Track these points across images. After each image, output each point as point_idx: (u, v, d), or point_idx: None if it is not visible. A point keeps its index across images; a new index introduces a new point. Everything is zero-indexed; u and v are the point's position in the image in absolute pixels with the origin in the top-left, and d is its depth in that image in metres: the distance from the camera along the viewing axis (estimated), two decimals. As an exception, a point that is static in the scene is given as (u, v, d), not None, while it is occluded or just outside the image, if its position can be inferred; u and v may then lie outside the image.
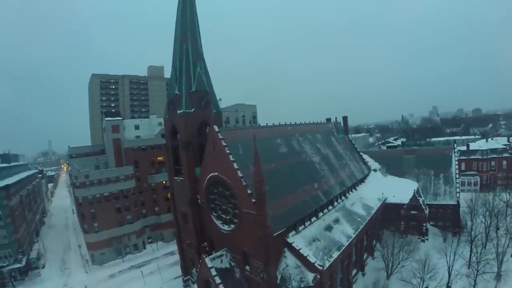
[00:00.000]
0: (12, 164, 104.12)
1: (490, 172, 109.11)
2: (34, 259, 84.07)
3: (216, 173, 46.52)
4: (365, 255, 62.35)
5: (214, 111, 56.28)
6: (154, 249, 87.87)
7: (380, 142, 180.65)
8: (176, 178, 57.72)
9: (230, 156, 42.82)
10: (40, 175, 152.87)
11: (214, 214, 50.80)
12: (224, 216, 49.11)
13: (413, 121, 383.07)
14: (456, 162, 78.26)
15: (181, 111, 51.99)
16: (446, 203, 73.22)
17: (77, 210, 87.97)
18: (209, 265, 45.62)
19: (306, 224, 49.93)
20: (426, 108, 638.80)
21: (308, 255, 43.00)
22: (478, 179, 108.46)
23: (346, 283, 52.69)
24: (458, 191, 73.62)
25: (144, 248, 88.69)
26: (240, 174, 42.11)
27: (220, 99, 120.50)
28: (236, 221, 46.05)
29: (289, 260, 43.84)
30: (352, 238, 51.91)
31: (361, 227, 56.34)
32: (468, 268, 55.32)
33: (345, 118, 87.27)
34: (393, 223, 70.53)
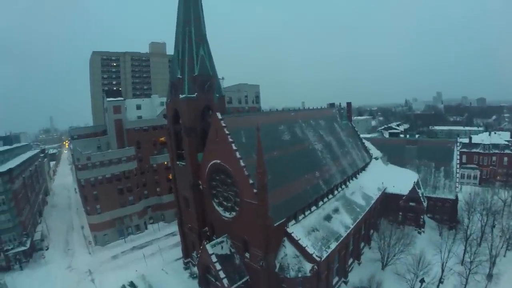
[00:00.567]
0: (14, 146, 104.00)
1: (491, 167, 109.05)
2: (38, 241, 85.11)
3: (219, 161, 46.48)
4: (362, 244, 63.15)
5: (217, 95, 55.63)
6: (156, 229, 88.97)
7: (383, 127, 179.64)
8: (178, 162, 57.75)
9: (233, 145, 42.67)
10: (42, 155, 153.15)
11: (215, 200, 51.14)
12: (225, 203, 49.44)
13: (416, 107, 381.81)
14: (458, 156, 77.90)
15: (184, 95, 51.48)
16: (444, 197, 73.29)
17: (80, 192, 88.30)
18: (210, 251, 46.40)
19: (306, 213, 50.34)
20: (430, 94, 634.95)
21: (306, 245, 43.63)
22: (478, 173, 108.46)
23: (342, 272, 53.79)
24: (457, 186, 73.76)
25: (146, 228, 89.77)
26: (242, 164, 42.03)
27: (223, 78, 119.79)
28: (237, 209, 46.36)
29: (288, 249, 44.57)
30: (350, 229, 52.49)
31: (360, 217, 56.89)
32: (462, 264, 56.03)
33: (349, 104, 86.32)
34: (391, 213, 71.50)
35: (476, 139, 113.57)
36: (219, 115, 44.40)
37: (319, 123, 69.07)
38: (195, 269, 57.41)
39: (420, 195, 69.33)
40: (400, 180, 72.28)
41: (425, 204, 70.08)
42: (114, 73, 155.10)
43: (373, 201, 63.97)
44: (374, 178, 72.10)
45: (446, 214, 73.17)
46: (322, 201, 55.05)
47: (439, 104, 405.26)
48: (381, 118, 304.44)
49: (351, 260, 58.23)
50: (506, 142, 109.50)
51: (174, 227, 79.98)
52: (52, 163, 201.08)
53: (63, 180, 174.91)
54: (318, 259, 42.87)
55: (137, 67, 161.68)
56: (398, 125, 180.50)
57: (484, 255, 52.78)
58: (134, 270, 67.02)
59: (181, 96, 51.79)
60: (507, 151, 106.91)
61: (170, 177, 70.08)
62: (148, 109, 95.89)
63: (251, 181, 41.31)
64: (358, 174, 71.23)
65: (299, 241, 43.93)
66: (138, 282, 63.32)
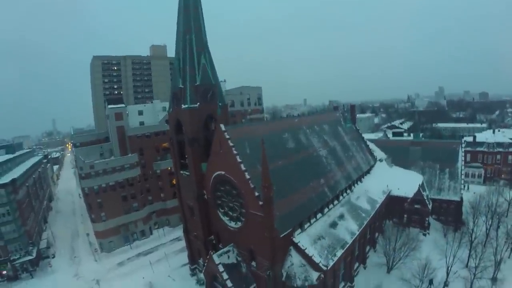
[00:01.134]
0: (16, 154, 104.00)
1: (495, 166, 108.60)
2: (44, 249, 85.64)
3: (223, 172, 46.28)
4: (367, 248, 63.02)
5: (220, 104, 55.31)
6: (161, 234, 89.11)
7: (386, 126, 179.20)
8: (182, 172, 57.57)
9: (238, 157, 42.45)
10: (45, 160, 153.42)
11: (220, 210, 51.10)
12: (230, 213, 49.36)
13: (419, 103, 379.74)
14: (463, 158, 77.51)
15: (186, 106, 51.12)
16: (449, 199, 73.15)
17: (84, 200, 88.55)
18: (217, 261, 46.49)
19: (312, 221, 50.27)
20: (432, 88, 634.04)
21: (313, 255, 43.64)
22: (482, 172, 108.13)
23: (348, 277, 53.71)
24: (462, 186, 73.54)
25: (151, 233, 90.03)
26: (247, 176, 41.84)
27: (224, 80, 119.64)
28: (243, 219, 46.28)
29: (295, 258, 44.62)
30: (356, 235, 52.35)
31: (365, 223, 56.74)
32: (466, 266, 55.90)
33: (352, 107, 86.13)
34: (396, 215, 71.88)
35: (480, 137, 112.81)
36: (222, 127, 44.09)
37: (323, 128, 68.79)
38: (202, 276, 57.33)
39: (425, 197, 68.98)
40: (405, 182, 71.80)
41: (430, 206, 69.78)
42: (115, 77, 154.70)
43: (378, 205, 63.75)
44: (379, 181, 71.77)
45: (451, 216, 73.06)
46: (328, 207, 54.93)
47: (441, 99, 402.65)
48: (383, 115, 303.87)
49: (356, 265, 58.14)
50: (510, 140, 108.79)
51: (179, 232, 79.57)
52: (55, 167, 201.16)
53: (67, 184, 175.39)
54: (324, 268, 42.85)
55: (138, 70, 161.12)
56: (401, 123, 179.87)
57: (489, 260, 52.37)
58: (141, 278, 67.28)
59: (183, 106, 51.46)
60: (511, 149, 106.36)
61: (174, 182, 70.15)
62: (150, 114, 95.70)
63: (256, 194, 41.18)
64: (363, 178, 71.00)
65: (306, 250, 43.96)
66: (146, 290, 63.61)
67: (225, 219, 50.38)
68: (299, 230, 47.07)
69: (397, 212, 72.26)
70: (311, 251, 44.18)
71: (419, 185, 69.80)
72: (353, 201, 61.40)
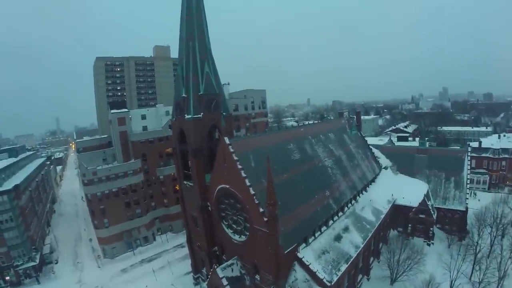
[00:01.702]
0: (19, 157, 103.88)
1: (500, 172, 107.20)
2: (47, 254, 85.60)
3: (227, 186, 45.61)
4: (371, 259, 62.46)
5: (224, 114, 54.36)
6: (164, 240, 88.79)
7: (391, 129, 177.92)
8: (185, 182, 56.99)
9: (242, 172, 41.68)
10: (48, 162, 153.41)
11: (224, 222, 50.44)
12: (235, 226, 48.71)
13: (423, 104, 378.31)
14: (469, 167, 76.48)
15: (189, 116, 50.61)
16: (454, 208, 72.15)
17: (87, 206, 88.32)
18: (221, 275, 45.96)
19: (316, 234, 49.54)
20: (436, 89, 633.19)
21: (317, 270, 43.00)
22: (487, 178, 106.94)
23: (352, 290, 52.99)
24: (467, 197, 72.56)
25: (154, 239, 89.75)
26: (252, 192, 41.10)
27: (228, 83, 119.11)
28: (247, 233, 45.62)
29: (299, 273, 44.04)
30: (360, 249, 51.63)
31: (370, 235, 56.02)
32: (470, 279, 55.17)
33: (358, 113, 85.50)
34: (401, 224, 71.48)
35: (486, 142, 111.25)
36: (227, 140, 43.29)
37: (328, 137, 67.99)
38: (205, 285, 56.90)
39: (430, 207, 68.22)
40: (410, 191, 71.11)
41: (434, 216, 69.01)
42: (118, 78, 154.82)
43: (383, 216, 62.97)
44: (384, 189, 70.97)
45: (456, 226, 72.30)
46: (332, 220, 54.20)
47: (445, 101, 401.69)
48: (387, 117, 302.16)
49: (360, 276, 57.55)
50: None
51: (182, 238, 79.34)
52: (58, 168, 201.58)
53: (70, 185, 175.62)
54: (328, 283, 42.14)
55: (141, 71, 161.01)
56: (406, 127, 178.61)
57: (493, 275, 51.34)
58: (144, 286, 66.93)
59: (186, 116, 50.94)
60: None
61: (177, 188, 69.67)
62: (153, 119, 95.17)
63: (261, 209, 40.47)
64: (368, 187, 70.17)
65: (310, 266, 43.27)
66: (149, 299, 63.34)
67: (229, 231, 49.75)
68: (304, 245, 46.41)
69: (401, 221, 71.77)
70: (315, 266, 43.52)
71: (424, 194, 69.14)
72: (358, 212, 60.65)
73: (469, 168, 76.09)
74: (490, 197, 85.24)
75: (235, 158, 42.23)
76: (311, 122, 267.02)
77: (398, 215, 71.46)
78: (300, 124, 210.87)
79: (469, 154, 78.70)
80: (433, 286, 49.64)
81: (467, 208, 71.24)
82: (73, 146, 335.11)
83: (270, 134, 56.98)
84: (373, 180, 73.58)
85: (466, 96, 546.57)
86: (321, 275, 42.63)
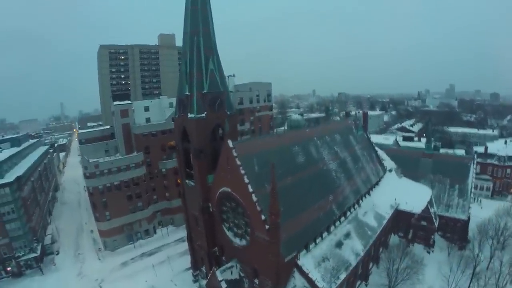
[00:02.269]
0: (22, 147, 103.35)
1: (504, 179, 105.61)
2: (49, 245, 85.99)
3: (229, 190, 44.89)
4: (371, 264, 62.12)
5: (229, 112, 53.27)
6: (165, 234, 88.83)
7: (396, 127, 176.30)
8: (187, 181, 56.27)
9: (245, 177, 40.88)
10: (51, 150, 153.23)
11: (225, 225, 49.93)
12: (235, 229, 48.22)
13: (429, 101, 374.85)
14: (474, 175, 75.26)
15: (192, 115, 49.43)
16: (457, 217, 71.04)
17: (89, 199, 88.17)
18: (219, 278, 45.86)
19: (317, 240, 49.05)
20: (443, 85, 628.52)
21: (316, 279, 42.67)
22: (491, 185, 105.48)
23: (350, 297, 52.65)
24: (470, 206, 71.45)
25: (155, 232, 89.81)
26: (254, 198, 40.35)
27: (233, 75, 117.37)
28: (248, 238, 45.12)
29: (298, 280, 43.85)
30: (360, 257, 51.14)
31: (371, 242, 55.55)
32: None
33: (365, 114, 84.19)
34: (402, 229, 71.04)
35: (492, 148, 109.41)
36: (230, 143, 42.33)
37: (334, 138, 66.88)
38: (204, 283, 56.76)
39: (432, 215, 67.30)
40: (413, 196, 70.07)
41: (436, 223, 68.26)
42: (122, 67, 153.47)
43: (385, 221, 62.36)
44: (387, 193, 70.22)
45: (457, 234, 71.38)
46: (334, 225, 53.61)
47: (452, 99, 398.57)
48: (393, 113, 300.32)
49: (358, 282, 57.40)
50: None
51: (183, 232, 78.41)
52: (62, 155, 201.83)
53: (73, 172, 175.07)
54: (327, 293, 41.85)
55: (146, 60, 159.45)
56: (411, 125, 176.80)
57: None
58: (144, 281, 67.39)
59: (189, 115, 49.80)
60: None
61: (179, 181, 68.92)
62: (156, 110, 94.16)
63: (263, 217, 39.85)
64: (372, 190, 69.37)
65: (309, 274, 42.87)
66: (148, 294, 63.58)
67: (230, 234, 49.30)
68: (304, 251, 45.98)
69: (403, 226, 71.14)
70: (314, 274, 43.08)
71: (428, 201, 68.21)
72: (360, 217, 60.00)
73: (474, 177, 74.98)
74: (494, 205, 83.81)
75: (238, 162, 41.40)
76: (316, 114, 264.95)
77: (400, 220, 70.78)
78: (304, 116, 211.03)
79: (475, 162, 77.51)
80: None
81: (469, 218, 70.30)
82: (77, 132, 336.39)
83: (275, 136, 56.02)
84: (377, 183, 72.71)
85: (473, 95, 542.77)
86: (320, 284, 42.31)
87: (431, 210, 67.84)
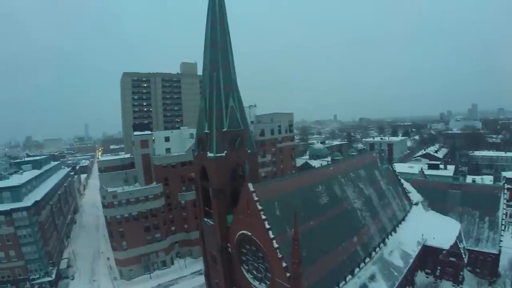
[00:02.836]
0: (42, 170, 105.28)
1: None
2: (64, 269, 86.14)
3: (249, 234, 43.24)
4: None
5: (249, 151, 51.83)
6: (182, 265, 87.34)
7: (421, 154, 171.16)
8: (206, 220, 54.83)
9: (266, 223, 39.25)
10: (72, 173, 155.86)
11: (244, 267, 47.98)
12: (255, 272, 46.18)
13: (452, 124, 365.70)
14: (505, 206, 71.44)
15: (212, 154, 47.99)
16: (487, 251, 67.19)
17: (106, 228, 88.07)
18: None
19: (341, 285, 46.40)
20: (465, 105, 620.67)
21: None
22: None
23: None
24: (501, 239, 67.54)
25: (172, 263, 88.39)
26: (275, 245, 38.51)
27: (255, 105, 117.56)
28: (268, 283, 43.03)
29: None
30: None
31: (397, 283, 52.36)
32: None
33: (390, 146, 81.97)
34: (429, 266, 67.23)
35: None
36: (251, 187, 41.06)
37: (359, 175, 64.77)
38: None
39: (462, 250, 63.51)
40: (441, 230, 66.34)
41: (465, 258, 64.23)
42: (144, 94, 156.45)
43: (411, 260, 59.12)
44: (414, 229, 66.91)
45: (487, 269, 67.44)
46: (359, 267, 50.85)
47: (475, 119, 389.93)
48: (416, 137, 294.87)
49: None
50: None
51: (200, 264, 76.37)
52: (83, 176, 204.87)
53: (93, 195, 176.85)
54: None
55: (167, 88, 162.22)
56: (436, 151, 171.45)
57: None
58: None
59: (208, 154, 48.61)
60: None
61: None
62: (177, 141, 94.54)
63: (284, 264, 37.87)
64: (398, 227, 66.21)
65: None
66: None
67: (249, 276, 47.25)
68: (327, 297, 43.43)
69: (430, 262, 67.16)
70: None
71: (456, 236, 64.48)
72: (386, 256, 57.00)
73: (505, 208, 71.14)
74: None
75: (259, 207, 39.91)
76: (337, 141, 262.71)
77: (428, 257, 66.83)
78: (326, 144, 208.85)
79: (505, 191, 73.59)
80: None
81: (500, 251, 66.45)
82: (100, 153, 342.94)
83: (297, 176, 54.01)
84: (403, 219, 69.52)
85: (496, 113, 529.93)
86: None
87: (460, 245, 64.06)
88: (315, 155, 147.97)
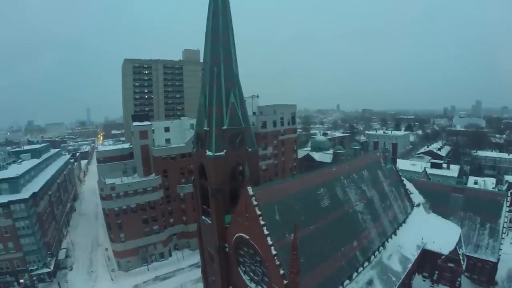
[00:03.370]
0: (41, 159, 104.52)
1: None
2: (63, 260, 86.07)
3: (247, 237, 42.25)
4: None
5: (250, 150, 50.08)
6: (180, 257, 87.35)
7: (423, 150, 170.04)
8: (203, 218, 53.90)
9: (265, 229, 38.13)
10: (72, 160, 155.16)
11: (242, 268, 47.20)
12: (252, 274, 45.39)
13: (456, 121, 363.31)
14: (506, 214, 70.55)
15: (211, 153, 46.38)
16: (486, 259, 66.63)
17: (104, 220, 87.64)
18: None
19: (338, 290, 45.59)
20: (469, 101, 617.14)
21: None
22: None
23: None
24: (501, 247, 66.91)
25: (170, 255, 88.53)
26: (274, 252, 37.46)
27: (257, 96, 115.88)
28: (265, 286, 42.21)
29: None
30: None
31: (394, 288, 51.59)
32: None
33: (394, 146, 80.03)
34: (427, 269, 66.94)
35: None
36: (250, 191, 39.72)
37: (362, 175, 63.36)
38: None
39: (461, 256, 62.71)
40: (441, 234, 65.41)
41: (464, 265, 63.56)
42: (146, 81, 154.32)
43: (410, 265, 58.43)
44: (414, 232, 65.97)
45: (485, 276, 67.40)
46: (357, 271, 49.99)
47: (479, 116, 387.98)
48: (419, 132, 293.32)
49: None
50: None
51: (198, 257, 76.33)
52: (83, 162, 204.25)
53: (94, 182, 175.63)
54: None
55: (169, 75, 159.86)
56: (439, 149, 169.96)
57: None
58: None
59: (207, 152, 47.03)
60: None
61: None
62: (177, 132, 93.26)
63: (282, 271, 36.95)
64: (398, 229, 65.26)
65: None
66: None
67: (246, 278, 46.48)
68: (323, 303, 42.69)
69: (428, 266, 66.68)
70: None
71: (456, 242, 63.66)
72: (385, 261, 56.17)
73: (506, 216, 70.49)
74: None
75: (258, 212, 38.69)
76: (340, 132, 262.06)
77: (426, 260, 66.22)
78: (328, 136, 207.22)
79: (509, 198, 72.52)
80: None
81: (499, 259, 65.92)
82: (101, 139, 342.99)
83: (299, 178, 52.24)
84: (404, 221, 68.56)
85: (500, 111, 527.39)
86: None
87: (460, 252, 63.23)
88: (317, 147, 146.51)
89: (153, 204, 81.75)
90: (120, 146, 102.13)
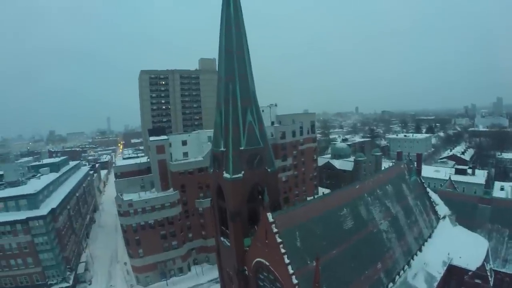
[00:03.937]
0: (60, 172, 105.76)
1: None
2: (82, 274, 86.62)
3: (267, 263, 40.88)
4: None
5: (269, 170, 48.65)
6: (199, 272, 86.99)
7: (447, 155, 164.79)
8: (222, 239, 52.69)
9: (285, 257, 36.70)
10: (91, 172, 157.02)
11: (262, 292, 45.78)
12: (272, 300, 43.90)
13: (478, 120, 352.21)
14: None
15: (228, 175, 45.14)
16: (514, 273, 62.85)
17: (122, 236, 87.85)
18: None
19: (362, 316, 43.62)
20: (489, 98, 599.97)
21: None
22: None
23: None
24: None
25: (189, 270, 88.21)
26: (295, 281, 35.95)
27: (276, 105, 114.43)
28: (286, 314, 40.71)
29: None
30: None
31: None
32: None
33: (419, 156, 76.86)
34: (452, 285, 62.99)
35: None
36: (270, 217, 38.33)
37: (386, 191, 60.81)
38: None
39: (488, 272, 59.47)
40: (468, 249, 62.16)
41: (491, 281, 60.23)
42: (162, 92, 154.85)
43: (436, 284, 55.42)
44: (440, 247, 62.97)
45: None
46: (382, 294, 47.87)
47: (500, 113, 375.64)
48: (441, 134, 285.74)
49: None
50: None
51: (217, 271, 76.36)
52: (103, 172, 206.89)
53: (114, 192, 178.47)
54: None
55: (186, 85, 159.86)
56: (462, 153, 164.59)
57: None
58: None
59: (224, 174, 45.89)
60: None
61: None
62: (194, 145, 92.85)
63: (304, 302, 35.44)
64: (423, 245, 62.54)
65: None
66: None
67: (266, 302, 45.10)
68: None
69: (454, 282, 63.22)
70: None
71: (484, 257, 60.49)
72: (410, 280, 53.50)
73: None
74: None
75: (279, 240, 37.29)
76: (359, 137, 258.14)
77: (452, 277, 62.98)
78: (348, 142, 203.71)
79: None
80: None
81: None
82: (121, 147, 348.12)
83: (320, 200, 50.04)
84: (429, 236, 65.73)
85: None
86: None
87: (487, 267, 60.10)
88: (337, 155, 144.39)
89: (171, 220, 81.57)
90: (138, 161, 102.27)
